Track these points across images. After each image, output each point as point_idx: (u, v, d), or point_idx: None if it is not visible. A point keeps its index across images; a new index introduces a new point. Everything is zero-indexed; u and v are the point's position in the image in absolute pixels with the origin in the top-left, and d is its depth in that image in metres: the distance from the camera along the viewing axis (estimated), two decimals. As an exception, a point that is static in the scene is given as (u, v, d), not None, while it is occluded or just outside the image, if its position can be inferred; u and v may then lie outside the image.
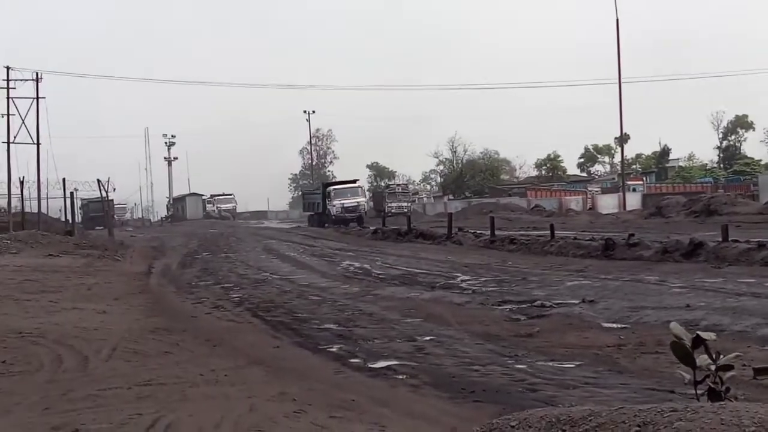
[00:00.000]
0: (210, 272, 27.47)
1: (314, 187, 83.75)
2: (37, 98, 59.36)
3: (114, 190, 61.91)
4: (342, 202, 62.35)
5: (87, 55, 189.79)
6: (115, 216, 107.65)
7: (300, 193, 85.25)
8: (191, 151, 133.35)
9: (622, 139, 77.64)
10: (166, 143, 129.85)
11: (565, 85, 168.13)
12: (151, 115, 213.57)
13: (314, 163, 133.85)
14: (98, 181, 56.17)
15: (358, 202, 63.39)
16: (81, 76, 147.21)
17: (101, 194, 56.93)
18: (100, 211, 63.01)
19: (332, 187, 64.94)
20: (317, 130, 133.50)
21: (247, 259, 32.92)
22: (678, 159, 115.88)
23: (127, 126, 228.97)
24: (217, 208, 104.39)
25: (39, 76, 59.88)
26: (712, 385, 3.53)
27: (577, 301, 15.76)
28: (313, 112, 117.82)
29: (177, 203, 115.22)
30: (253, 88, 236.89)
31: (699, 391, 3.54)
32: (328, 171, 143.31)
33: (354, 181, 73.15)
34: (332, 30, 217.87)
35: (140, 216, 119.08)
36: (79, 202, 66.51)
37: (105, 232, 53.58)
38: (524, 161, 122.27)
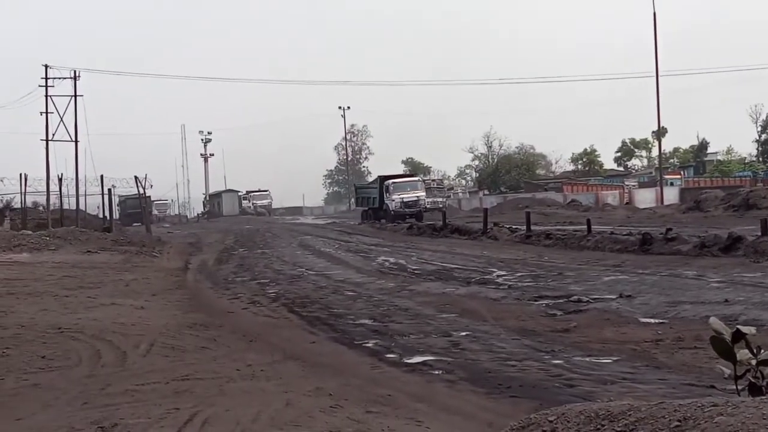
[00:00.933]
0: (246, 268, 27.59)
1: (370, 181, 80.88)
2: (75, 96, 59.81)
3: (151, 186, 62.21)
4: (401, 196, 57.91)
5: (124, 53, 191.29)
6: (157, 212, 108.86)
7: (352, 187, 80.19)
8: (227, 147, 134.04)
9: (660, 132, 76.87)
10: (202, 140, 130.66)
11: (602, 79, 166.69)
12: (188, 113, 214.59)
13: (349, 159, 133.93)
14: (135, 177, 56.57)
15: (418, 196, 58.91)
16: (117, 74, 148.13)
17: (138, 191, 57.34)
18: (137, 207, 63.50)
19: (391, 181, 60.25)
20: (352, 125, 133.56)
21: (283, 254, 33.02)
22: (716, 153, 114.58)
23: (164, 123, 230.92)
24: (252, 204, 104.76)
25: (77, 74, 60.39)
26: (753, 380, 3.48)
27: (614, 296, 15.66)
28: (348, 108, 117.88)
29: (213, 200, 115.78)
30: (288, 84, 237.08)
31: (740, 386, 3.49)
32: (363, 167, 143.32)
33: (413, 175, 70.88)
34: (368, 25, 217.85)
35: (177, 212, 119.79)
36: (117, 199, 67.06)
37: (142, 229, 53.94)
38: (560, 156, 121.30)
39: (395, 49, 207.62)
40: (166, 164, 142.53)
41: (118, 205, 72.12)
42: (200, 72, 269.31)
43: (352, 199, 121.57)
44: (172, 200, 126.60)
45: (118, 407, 8.27)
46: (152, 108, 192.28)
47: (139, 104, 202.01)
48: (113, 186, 54.09)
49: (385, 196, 59.09)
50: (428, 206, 61.59)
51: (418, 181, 64.65)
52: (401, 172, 79.27)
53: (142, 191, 57.25)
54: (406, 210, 57.21)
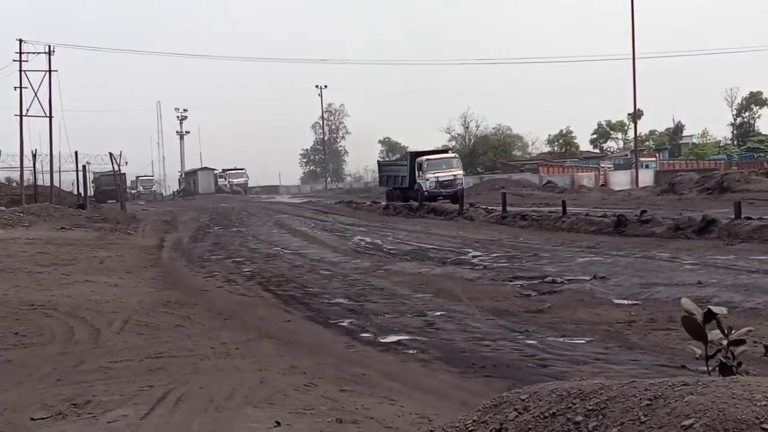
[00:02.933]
0: (221, 246, 27.54)
1: (396, 158, 74.25)
2: (50, 71, 59.35)
3: (126, 163, 62.05)
4: (437, 174, 50.79)
5: (99, 28, 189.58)
6: (142, 188, 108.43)
7: (378, 163, 70.11)
8: (204, 125, 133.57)
9: (636, 115, 77.23)
10: (178, 117, 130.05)
11: (578, 61, 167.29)
12: (164, 90, 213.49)
13: (326, 138, 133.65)
14: (110, 154, 56.31)
15: (455, 175, 51.54)
16: (93, 49, 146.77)
17: (113, 168, 57.03)
18: (112, 184, 63.07)
19: (425, 158, 52.93)
20: (329, 104, 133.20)
21: (259, 233, 32.97)
22: (691, 136, 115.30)
23: (140, 100, 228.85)
24: (228, 182, 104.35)
25: (51, 49, 59.89)
26: (724, 360, 3.52)
27: (588, 278, 15.74)
28: (326, 86, 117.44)
29: (189, 177, 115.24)
30: (266, 62, 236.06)
31: (710, 366, 3.52)
32: (340, 146, 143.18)
33: (447, 150, 63.59)
34: (348, 4, 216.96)
35: (133, 191, 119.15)
36: (92, 176, 66.72)
37: (117, 206, 53.67)
38: (537, 137, 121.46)
39: (375, 29, 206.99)
40: (141, 141, 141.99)
41: (92, 182, 71.79)
42: (176, 49, 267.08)
43: (329, 179, 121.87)
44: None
45: (91, 384, 8.24)
46: (128, 85, 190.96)
47: (114, 81, 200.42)
48: (88, 162, 53.93)
49: (416, 175, 52.06)
50: (464, 186, 54.13)
51: (455, 157, 56.98)
52: (434, 148, 68.40)
53: (116, 168, 56.92)
54: (442, 191, 50.25)
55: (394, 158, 75.41)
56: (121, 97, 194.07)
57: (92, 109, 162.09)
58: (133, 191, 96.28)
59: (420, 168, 51.76)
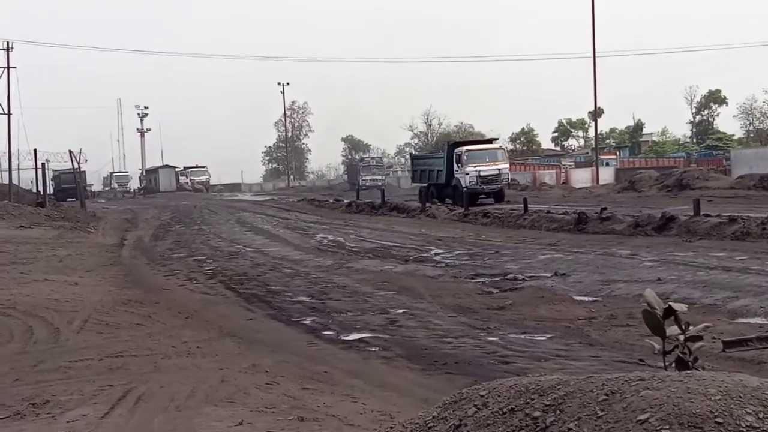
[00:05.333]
0: (183, 244, 27.38)
1: (431, 150, 64.94)
2: (8, 68, 58.74)
3: (86, 161, 61.51)
4: (479, 168, 43.64)
5: (60, 25, 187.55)
6: (117, 185, 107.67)
7: (409, 158, 60.32)
8: (165, 122, 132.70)
9: (596, 113, 77.82)
10: (139, 114, 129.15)
11: (540, 59, 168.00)
12: (125, 87, 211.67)
13: (289, 135, 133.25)
14: (70, 152, 55.71)
15: (499, 169, 44.61)
16: (51, 46, 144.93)
17: (73, 165, 56.48)
18: (72, 182, 62.45)
19: (465, 149, 45.57)
20: (293, 102, 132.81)
21: (221, 231, 32.81)
22: (651, 134, 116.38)
23: (101, 98, 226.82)
24: (190, 180, 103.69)
25: (10, 46, 59.24)
26: (681, 355, 3.56)
27: (549, 275, 15.85)
28: (288, 84, 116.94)
29: (150, 175, 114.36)
30: (228, 59, 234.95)
31: (667, 361, 3.57)
32: (303, 144, 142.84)
33: (491, 140, 53.20)
34: (310, 1, 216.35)
35: (107, 188, 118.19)
36: (51, 174, 66.01)
37: (77, 204, 53.10)
38: (499, 135, 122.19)
39: (337, 27, 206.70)
40: (102, 139, 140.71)
41: (52, 180, 71.01)
42: (137, 45, 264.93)
43: (291, 176, 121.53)
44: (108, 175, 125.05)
45: (51, 384, 8.17)
46: (88, 82, 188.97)
47: (75, 78, 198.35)
48: (47, 160, 53.24)
49: (455, 169, 44.99)
50: (510, 182, 48.93)
51: (499, 149, 48.71)
52: (474, 138, 59.62)
53: (76, 166, 56.36)
54: (485, 187, 43.77)
55: (428, 152, 64.48)
56: (81, 95, 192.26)
57: (52, 107, 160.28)
58: (91, 188, 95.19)
59: (459, 161, 44.70)
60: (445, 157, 46.35)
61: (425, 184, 48.21)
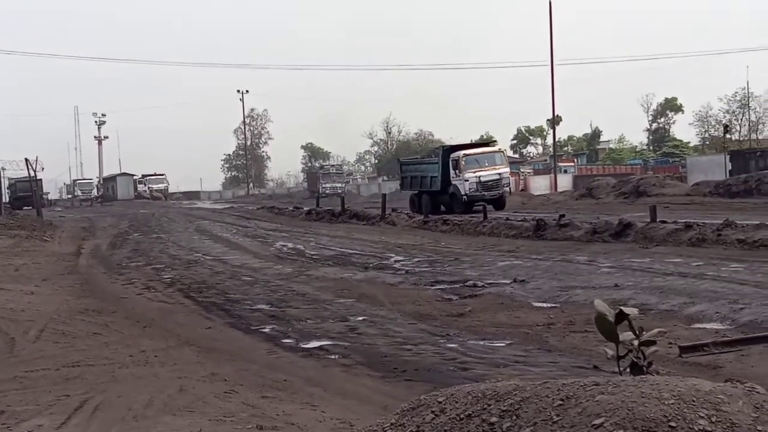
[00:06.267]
0: (141, 253, 27.16)
1: (423, 155, 60.50)
2: (-37, 75, 58.16)
3: (42, 169, 60.63)
4: (478, 174, 41.05)
5: (16, 31, 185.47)
6: (80, 192, 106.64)
7: (398, 163, 55.52)
8: (123, 130, 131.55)
9: (554, 120, 78.53)
10: (96, 122, 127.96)
11: (498, 67, 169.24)
12: (81, 94, 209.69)
13: (248, 143, 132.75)
14: (26, 160, 55.13)
15: (500, 174, 42.02)
16: (8, 53, 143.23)
17: (29, 173, 55.86)
18: (28, 190, 61.76)
19: (462, 153, 42.72)
20: (252, 110, 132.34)
21: (179, 239, 32.60)
22: (609, 141, 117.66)
23: (57, 105, 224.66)
24: (148, 188, 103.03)
25: (-36, 53, 58.63)
26: (635, 360, 3.61)
27: (508, 281, 15.93)
28: (247, 91, 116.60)
29: (107, 183, 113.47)
30: (186, 66, 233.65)
31: (622, 366, 3.61)
32: (263, 151, 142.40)
33: (488, 144, 50.87)
34: (267, 8, 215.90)
35: (69, 196, 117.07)
36: (7, 182, 65.22)
37: (33, 212, 52.48)
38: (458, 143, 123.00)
39: (298, 34, 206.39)
40: (58, 147, 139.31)
41: (7, 188, 70.17)
42: (94, 53, 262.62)
43: (251, 184, 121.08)
44: (64, 183, 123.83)
45: (6, 394, 8.08)
46: (44, 89, 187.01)
47: (30, 85, 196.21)
48: (3, 168, 52.77)
49: (451, 175, 42.39)
50: (512, 188, 46.52)
51: (499, 152, 45.93)
52: (468, 142, 55.57)
53: (32, 174, 55.76)
54: (485, 193, 40.79)
55: (419, 156, 60.93)
56: (37, 102, 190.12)
57: (7, 114, 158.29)
58: (48, 197, 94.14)
59: (456, 166, 42.11)
60: (440, 163, 43.73)
61: (416, 191, 45.79)
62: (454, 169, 42.22)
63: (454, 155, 42.82)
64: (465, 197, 40.50)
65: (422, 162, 49.37)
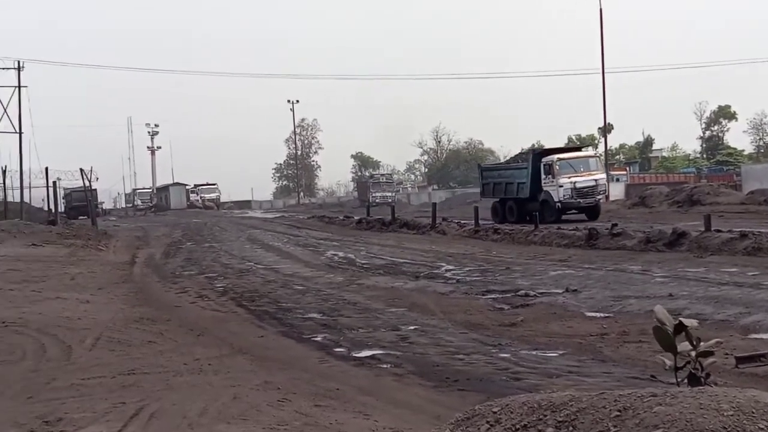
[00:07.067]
0: (194, 262, 27.41)
1: (508, 159, 56.60)
2: (19, 87, 59.08)
3: (97, 179, 61.74)
4: (573, 179, 38.32)
5: (70, 44, 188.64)
6: (140, 201, 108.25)
7: (479, 170, 49.93)
8: (175, 140, 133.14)
9: (606, 129, 77.91)
10: (149, 132, 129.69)
11: (550, 75, 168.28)
12: (135, 105, 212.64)
13: (299, 153, 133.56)
14: (81, 170, 55.95)
15: (596, 180, 39.40)
16: (62, 65, 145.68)
17: (84, 183, 56.72)
18: (83, 200, 62.65)
19: (555, 157, 40.00)
20: (302, 119, 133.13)
21: (231, 248, 32.84)
22: (661, 149, 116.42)
23: (111, 115, 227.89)
24: (200, 197, 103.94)
25: (21, 65, 59.59)
26: (693, 371, 3.57)
27: (560, 291, 15.83)
28: (297, 101, 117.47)
29: (160, 193, 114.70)
30: (238, 77, 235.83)
31: (679, 377, 3.58)
32: (313, 161, 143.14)
33: (580, 148, 48.13)
34: (318, 20, 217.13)
35: (124, 206, 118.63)
36: (62, 192, 66.28)
37: (88, 222, 53.24)
38: (509, 151, 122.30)
39: (346, 45, 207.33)
40: (112, 157, 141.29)
41: (63, 198, 71.30)
42: (148, 64, 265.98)
43: (301, 193, 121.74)
44: (119, 193, 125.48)
45: (64, 401, 8.20)
46: (99, 100, 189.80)
47: (85, 96, 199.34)
48: (58, 179, 53.51)
49: (543, 181, 39.75)
50: (607, 194, 43.19)
51: (593, 157, 43.39)
52: (560, 146, 52.95)
53: (87, 184, 56.60)
54: (580, 201, 38.67)
55: (504, 161, 57.12)
56: (91, 113, 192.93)
57: (63, 125, 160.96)
58: (102, 206, 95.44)
59: (549, 171, 39.44)
60: (530, 168, 40.72)
61: (499, 198, 43.18)
62: (546, 174, 39.67)
63: (546, 159, 40.34)
64: (558, 204, 38.21)
65: (508, 168, 46.26)
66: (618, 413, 3.05)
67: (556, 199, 38.54)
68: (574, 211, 37.78)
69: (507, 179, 42.87)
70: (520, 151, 50.87)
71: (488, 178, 45.48)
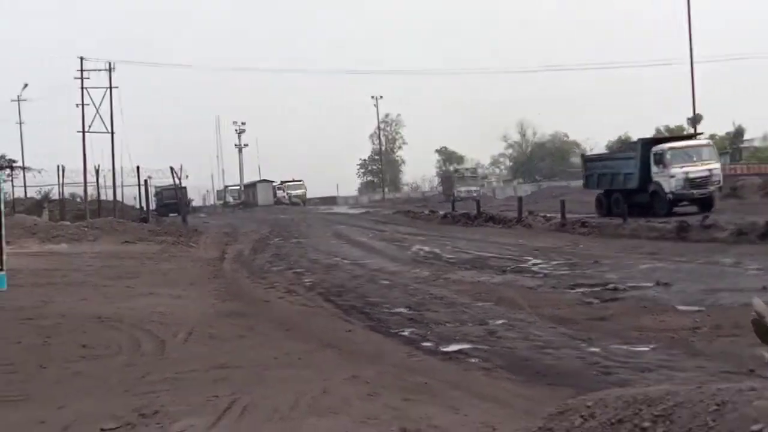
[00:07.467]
0: (282, 257, 27.71)
1: (614, 149, 54.45)
2: (111, 88, 60.43)
3: (186, 177, 62.53)
4: (685, 170, 36.19)
5: (159, 44, 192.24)
6: (231, 198, 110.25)
7: (581, 160, 49.47)
8: (262, 137, 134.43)
9: (695, 119, 76.23)
10: (236, 130, 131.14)
11: (636, 66, 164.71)
12: (222, 103, 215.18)
13: (383, 148, 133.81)
14: (171, 168, 57.00)
15: (710, 170, 37.01)
16: (153, 65, 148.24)
17: (174, 181, 57.76)
18: (173, 198, 63.84)
19: (667, 146, 37.91)
20: (386, 115, 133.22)
21: (318, 244, 33.09)
22: (753, 139, 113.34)
23: (199, 114, 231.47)
24: (287, 194, 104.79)
25: (112, 66, 60.94)
26: (793, 365, 3.49)
27: (650, 284, 15.59)
28: (381, 97, 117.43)
29: (248, 190, 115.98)
30: (321, 74, 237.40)
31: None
32: (397, 156, 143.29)
33: (692, 137, 44.15)
34: (402, 11, 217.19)
35: (212, 203, 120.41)
36: (153, 190, 67.61)
37: (179, 219, 54.21)
38: (595, 143, 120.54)
39: (429, 37, 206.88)
40: (201, 155, 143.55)
41: (154, 196, 72.68)
42: (234, 63, 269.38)
43: (386, 189, 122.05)
44: (207, 191, 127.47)
45: (158, 395, 8.37)
46: (187, 99, 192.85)
47: (174, 96, 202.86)
48: (149, 177, 54.49)
49: (652, 171, 37.41)
50: (721, 185, 39.83)
51: (707, 145, 40.06)
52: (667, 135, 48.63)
53: (177, 181, 57.60)
54: (693, 191, 36.50)
55: (609, 151, 53.99)
56: (180, 112, 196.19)
57: (153, 124, 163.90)
58: (192, 203, 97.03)
59: (660, 161, 37.13)
60: (639, 157, 38.46)
61: (604, 190, 41.02)
62: (657, 164, 37.23)
63: (657, 148, 37.91)
64: (670, 196, 36.13)
65: (614, 157, 44.17)
66: (716, 407, 3.00)
67: (667, 191, 36.40)
68: (685, 202, 36.04)
69: (613, 169, 40.91)
70: (627, 142, 47.85)
71: (592, 168, 43.88)
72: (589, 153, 59.80)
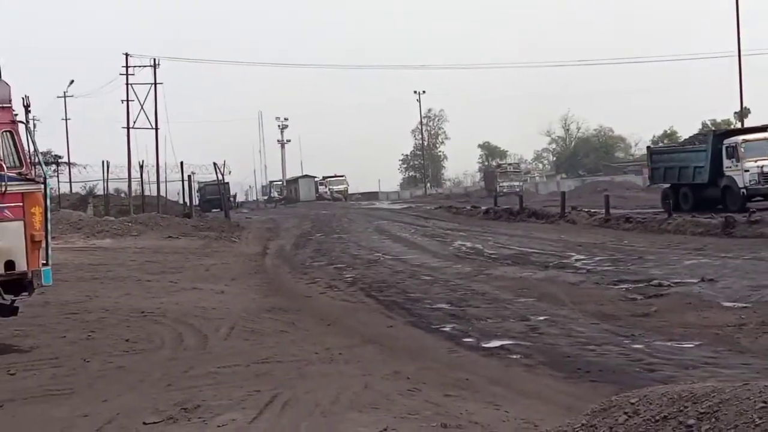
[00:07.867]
0: (323, 253, 27.77)
1: (682, 141, 49.32)
2: (155, 84, 60.97)
3: (230, 173, 63.05)
4: (761, 164, 33.77)
5: (203, 40, 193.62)
6: (275, 193, 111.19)
7: (647, 153, 46.52)
8: (304, 133, 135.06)
9: (742, 113, 75.22)
10: (279, 126, 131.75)
11: (680, 59, 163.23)
12: (265, 99, 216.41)
13: (425, 143, 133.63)
14: (214, 164, 57.32)
15: None
16: (197, 62, 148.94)
17: (217, 177, 58.10)
18: (216, 193, 64.22)
19: (740, 138, 35.77)
20: (429, 110, 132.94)
21: (359, 239, 33.11)
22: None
23: (242, 110, 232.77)
24: (329, 189, 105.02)
25: (156, 62, 61.47)
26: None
27: (696, 280, 15.40)
28: (424, 92, 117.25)
29: (290, 185, 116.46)
30: (364, 69, 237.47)
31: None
32: (439, 151, 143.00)
33: (765, 128, 39.58)
34: (444, 7, 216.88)
35: (255, 198, 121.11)
36: (196, 185, 68.17)
37: (221, 214, 54.57)
38: (640, 138, 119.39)
39: (471, 32, 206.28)
40: (244, 150, 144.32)
41: (197, 191, 73.25)
42: (277, 59, 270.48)
43: (428, 184, 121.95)
44: (250, 186, 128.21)
45: (201, 389, 8.43)
46: (231, 95, 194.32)
47: (217, 92, 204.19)
48: (193, 173, 54.88)
49: (725, 165, 35.21)
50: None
51: None
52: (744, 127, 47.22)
53: (220, 177, 57.96)
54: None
55: (677, 143, 51.25)
56: (224, 108, 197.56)
57: (196, 120, 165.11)
58: (235, 199, 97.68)
59: (732, 154, 34.97)
60: (709, 150, 36.35)
61: (670, 184, 39.16)
62: (729, 157, 35.06)
63: (729, 141, 35.72)
64: (743, 191, 33.79)
65: (682, 150, 41.50)
66: (763, 404, 2.94)
67: (740, 185, 34.15)
68: (760, 198, 33.59)
69: (681, 163, 38.91)
70: (696, 134, 45.73)
71: (659, 162, 41.67)
72: (635, 148, 58.04)
